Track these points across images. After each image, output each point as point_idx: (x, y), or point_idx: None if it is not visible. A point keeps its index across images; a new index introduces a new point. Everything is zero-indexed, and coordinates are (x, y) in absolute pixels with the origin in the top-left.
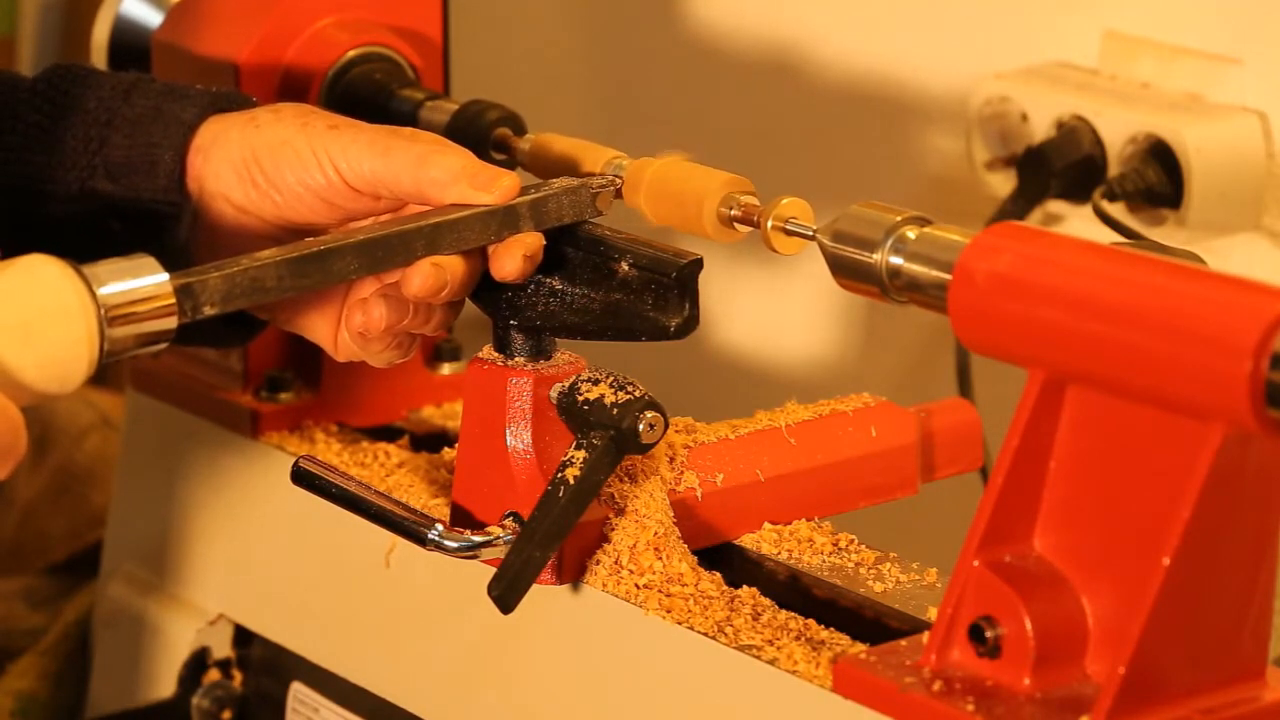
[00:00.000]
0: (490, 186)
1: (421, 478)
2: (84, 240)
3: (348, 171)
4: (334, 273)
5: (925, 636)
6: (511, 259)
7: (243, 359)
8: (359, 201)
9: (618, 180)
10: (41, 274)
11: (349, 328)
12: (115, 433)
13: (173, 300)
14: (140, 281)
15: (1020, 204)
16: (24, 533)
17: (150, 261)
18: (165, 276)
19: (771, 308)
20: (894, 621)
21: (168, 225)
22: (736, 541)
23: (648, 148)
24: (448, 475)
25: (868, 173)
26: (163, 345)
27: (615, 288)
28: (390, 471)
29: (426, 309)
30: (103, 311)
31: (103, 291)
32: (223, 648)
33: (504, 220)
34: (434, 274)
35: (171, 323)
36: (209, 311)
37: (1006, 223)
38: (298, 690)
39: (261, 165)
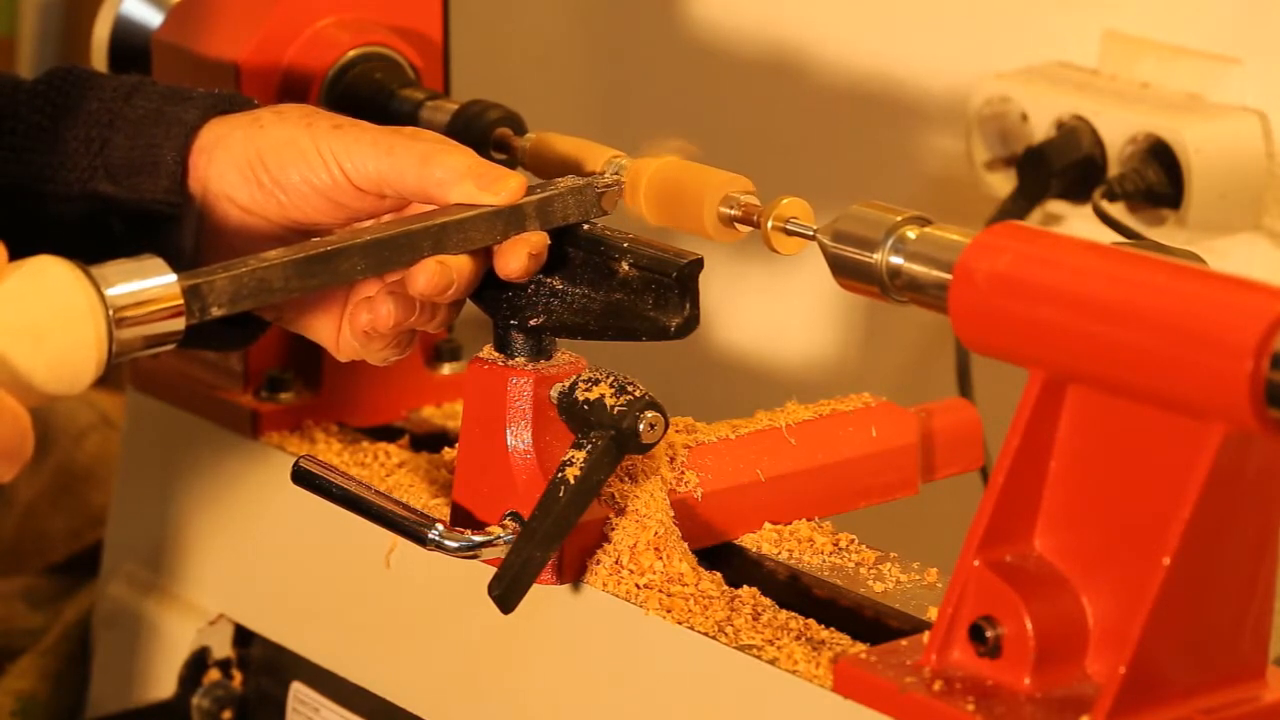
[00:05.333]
0: (496, 188)
1: (421, 478)
2: (85, 241)
3: (352, 171)
4: (341, 273)
5: (925, 636)
6: (516, 257)
7: (243, 359)
8: (364, 201)
9: (622, 180)
10: (50, 275)
11: (353, 326)
12: (115, 433)
13: (181, 301)
14: (148, 283)
15: (1020, 204)
16: (24, 533)
17: (158, 262)
18: (173, 277)
19: (771, 308)
20: (894, 621)
21: (169, 226)
22: (737, 541)
23: (648, 148)
24: (448, 475)
25: (868, 173)
26: (170, 346)
27: (616, 287)
28: (390, 471)
29: (431, 307)
30: (111, 313)
31: (111, 293)
32: (223, 648)
33: (510, 220)
34: (440, 272)
35: (180, 324)
36: (216, 312)
37: (1006, 223)
38: (298, 690)
39: (266, 165)
